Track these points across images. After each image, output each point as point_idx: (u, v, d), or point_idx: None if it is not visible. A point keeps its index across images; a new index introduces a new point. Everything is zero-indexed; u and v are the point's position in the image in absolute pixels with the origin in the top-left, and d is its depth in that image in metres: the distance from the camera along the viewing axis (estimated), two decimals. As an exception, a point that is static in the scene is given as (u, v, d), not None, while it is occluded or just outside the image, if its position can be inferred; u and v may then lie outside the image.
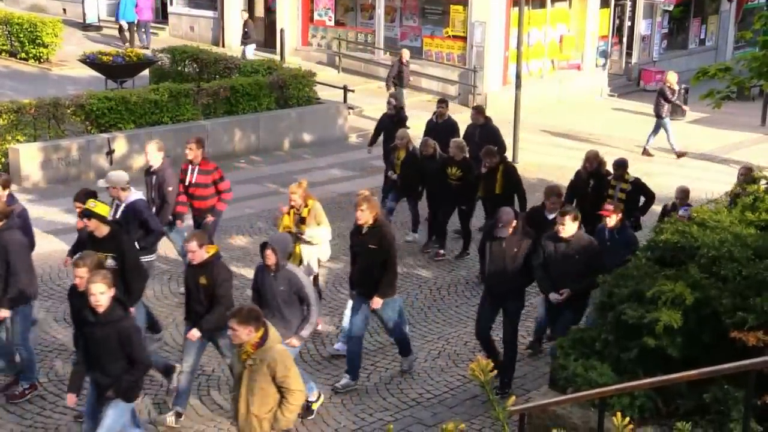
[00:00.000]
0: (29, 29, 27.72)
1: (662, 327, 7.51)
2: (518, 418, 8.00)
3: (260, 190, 18.43)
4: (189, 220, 13.18)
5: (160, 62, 24.79)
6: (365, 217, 10.23)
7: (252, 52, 28.13)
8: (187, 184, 12.84)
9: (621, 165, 13.61)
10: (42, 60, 27.89)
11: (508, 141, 21.43)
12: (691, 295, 7.65)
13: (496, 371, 3.53)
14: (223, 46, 30.84)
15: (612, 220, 11.13)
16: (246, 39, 28.46)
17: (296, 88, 22.65)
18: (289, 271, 9.36)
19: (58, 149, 18.18)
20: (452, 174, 14.60)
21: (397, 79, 24.39)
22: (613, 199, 12.92)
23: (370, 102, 26.05)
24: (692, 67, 28.13)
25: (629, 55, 33.12)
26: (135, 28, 30.73)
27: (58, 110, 18.70)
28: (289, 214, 11.65)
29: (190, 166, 12.94)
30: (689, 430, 3.69)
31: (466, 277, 14.24)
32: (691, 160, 22.19)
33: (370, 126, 24.02)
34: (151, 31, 31.60)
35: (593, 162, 13.76)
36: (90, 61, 23.39)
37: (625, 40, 32.79)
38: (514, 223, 10.20)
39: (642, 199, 13.89)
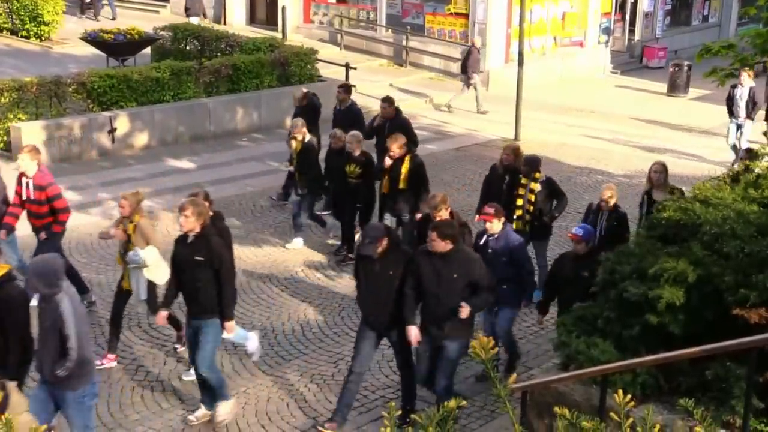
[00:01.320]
0: (30, 7, 27.61)
1: (664, 304, 7.50)
2: (520, 396, 8.04)
3: (262, 168, 18.42)
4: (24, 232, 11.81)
5: (161, 40, 24.72)
6: (190, 224, 8.72)
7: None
8: (24, 198, 11.20)
9: (531, 162, 12.12)
10: (43, 38, 27.80)
11: (510, 118, 21.46)
12: (694, 273, 7.64)
13: (497, 349, 3.52)
14: (225, 23, 30.74)
15: (493, 225, 9.89)
16: (187, 12, 28.49)
17: (298, 66, 22.60)
18: (55, 303, 7.48)
19: (60, 127, 18.16)
20: (351, 172, 13.27)
21: (463, 66, 24.36)
22: (522, 199, 12.00)
23: (373, 80, 25.99)
24: (695, 43, 28.05)
25: (632, 32, 33.02)
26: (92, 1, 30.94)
27: (59, 88, 18.67)
28: (118, 226, 10.16)
29: (24, 179, 11.15)
30: (692, 407, 3.70)
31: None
32: (693, 137, 22.14)
33: (372, 103, 24.04)
34: (150, 8, 31.53)
35: (511, 155, 12.34)
36: (91, 39, 23.32)
37: (628, 17, 32.68)
38: (385, 240, 8.73)
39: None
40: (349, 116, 15.76)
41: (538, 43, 28.52)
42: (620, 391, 3.57)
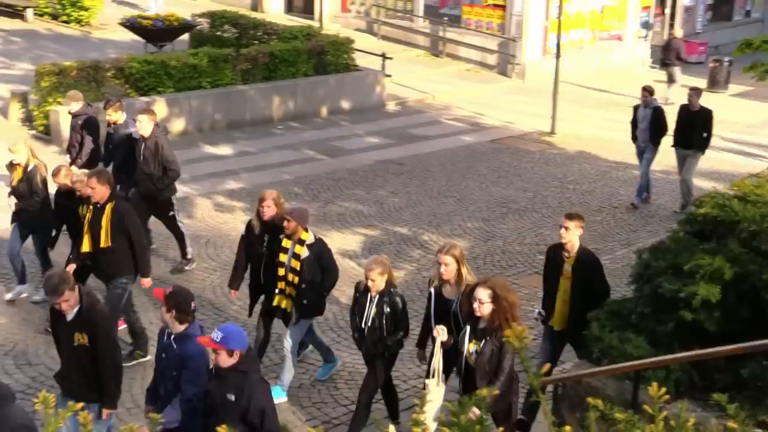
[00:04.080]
0: (71, -8, 27.88)
1: (700, 301, 7.45)
2: (552, 389, 8.02)
3: (297, 156, 18.47)
4: None
5: (199, 27, 24.83)
6: None
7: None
8: None
9: (295, 216, 9.16)
10: (83, 23, 28.04)
11: (546, 111, 21.31)
12: (730, 270, 7.57)
13: (532, 338, 3.51)
14: (262, 11, 30.81)
15: (169, 319, 7.00)
16: None
17: (334, 55, 22.61)
18: None
19: (99, 112, 18.25)
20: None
21: (669, 56, 24.57)
22: (284, 268, 9.24)
23: (409, 70, 25.97)
24: (737, 39, 27.62)
25: (672, 26, 32.68)
26: None
27: (98, 73, 18.81)
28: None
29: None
30: (726, 401, 3.67)
31: (502, 247, 14.18)
32: (733, 134, 21.91)
33: (409, 94, 24.05)
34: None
35: (271, 209, 9.48)
36: (130, 24, 23.46)
37: (668, 11, 32.38)
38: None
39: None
40: (126, 143, 12.51)
41: (575, 36, 28.33)
42: (655, 384, 3.54)
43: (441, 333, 7.68)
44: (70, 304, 7.32)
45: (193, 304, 7.11)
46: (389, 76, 24.12)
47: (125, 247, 9.64)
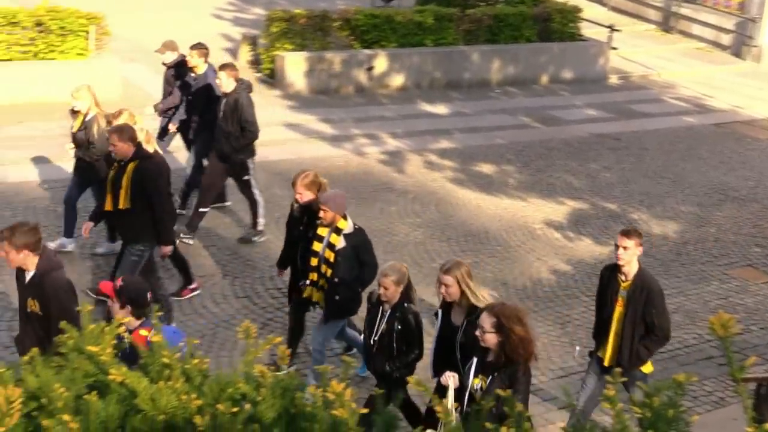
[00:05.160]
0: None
1: None
2: (755, 388, 7.63)
3: (512, 121, 18.30)
4: None
5: (428, -15, 24.90)
6: None
7: None
8: None
9: (332, 206, 8.31)
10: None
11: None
12: None
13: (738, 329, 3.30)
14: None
15: (123, 316, 6.12)
16: None
17: (560, 23, 22.15)
18: None
19: (322, 60, 18.73)
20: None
21: None
22: (318, 257, 8.37)
23: (636, 44, 25.19)
24: None
25: None
26: None
27: (325, 23, 19.22)
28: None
29: None
30: None
31: (715, 235, 13.59)
32: None
33: (634, 69, 23.35)
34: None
35: (311, 188, 8.81)
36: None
37: None
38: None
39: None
40: (204, 95, 12.01)
41: (822, 22, 26.57)
42: None
43: (452, 380, 6.41)
44: (11, 260, 6.70)
45: (149, 295, 6.35)
46: (615, 48, 23.44)
47: (145, 211, 8.90)
